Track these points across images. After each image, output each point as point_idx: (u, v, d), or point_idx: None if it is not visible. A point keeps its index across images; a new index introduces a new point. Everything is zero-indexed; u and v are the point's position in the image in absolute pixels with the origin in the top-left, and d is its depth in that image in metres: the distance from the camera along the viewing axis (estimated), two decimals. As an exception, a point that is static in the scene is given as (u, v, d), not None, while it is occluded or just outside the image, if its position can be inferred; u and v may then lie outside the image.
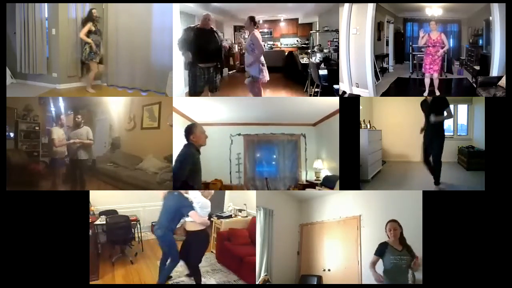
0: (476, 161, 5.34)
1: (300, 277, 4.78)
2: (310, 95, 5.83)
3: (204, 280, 4.44)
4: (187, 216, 3.67)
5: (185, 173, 3.17)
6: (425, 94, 4.99)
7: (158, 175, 4.99)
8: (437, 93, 4.99)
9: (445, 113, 4.19)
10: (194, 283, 4.01)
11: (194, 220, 3.65)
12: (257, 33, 4.56)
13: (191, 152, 3.28)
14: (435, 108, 4.20)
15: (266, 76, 4.69)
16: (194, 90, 4.60)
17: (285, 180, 7.37)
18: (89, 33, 5.34)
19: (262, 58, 4.67)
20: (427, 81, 5.05)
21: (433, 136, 4.27)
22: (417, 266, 3.08)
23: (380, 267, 3.14)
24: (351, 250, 4.12)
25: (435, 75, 5.00)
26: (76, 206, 3.59)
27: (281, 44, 10.11)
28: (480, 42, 5.89)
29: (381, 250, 3.11)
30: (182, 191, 3.70)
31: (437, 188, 4.29)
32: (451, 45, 6.80)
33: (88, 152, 5.18)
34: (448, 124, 6.78)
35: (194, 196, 3.79)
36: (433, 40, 4.97)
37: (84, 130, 5.14)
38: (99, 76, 5.70)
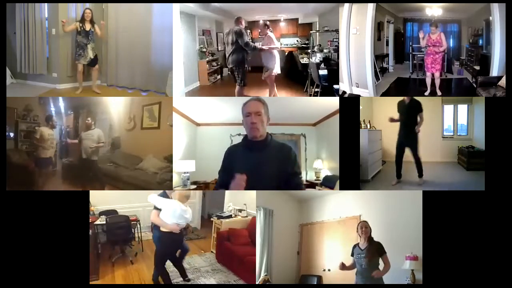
0: (476, 161, 5.34)
1: (300, 277, 4.78)
2: (310, 95, 5.83)
3: (204, 280, 4.45)
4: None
5: (222, 169, 2.43)
6: (426, 93, 4.99)
7: (158, 175, 4.99)
8: (439, 93, 4.99)
9: (418, 118, 4.51)
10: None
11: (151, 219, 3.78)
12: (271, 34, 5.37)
13: (235, 144, 2.51)
14: (411, 110, 4.47)
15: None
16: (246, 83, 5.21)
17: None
18: (77, 33, 5.29)
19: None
20: (428, 81, 5.05)
21: (409, 133, 4.53)
22: (380, 273, 3.08)
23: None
24: (351, 250, 4.12)
25: (437, 74, 5.01)
26: (76, 206, 3.58)
27: (281, 44, 10.12)
28: (480, 42, 5.89)
29: (352, 251, 3.31)
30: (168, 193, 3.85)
31: (421, 182, 4.54)
32: (451, 45, 6.79)
33: (98, 153, 5.35)
34: (448, 124, 6.79)
35: (172, 203, 3.73)
36: (433, 40, 4.98)
37: (96, 132, 5.30)
38: (94, 78, 5.55)
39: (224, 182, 2.30)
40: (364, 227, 3.22)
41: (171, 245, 3.84)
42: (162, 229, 3.70)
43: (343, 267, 3.33)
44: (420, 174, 4.58)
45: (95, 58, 5.42)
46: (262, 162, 2.18)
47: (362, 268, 3.15)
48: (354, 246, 3.30)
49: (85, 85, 5.62)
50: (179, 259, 4.28)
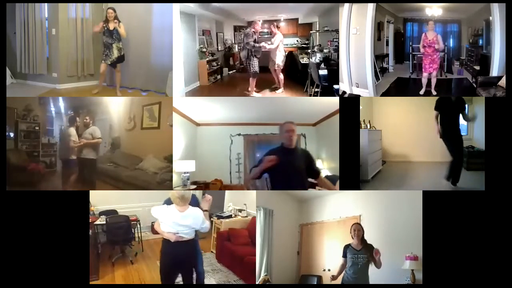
0: (476, 161, 5.32)
1: (300, 277, 4.78)
2: (310, 95, 5.83)
3: (204, 280, 4.42)
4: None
5: (260, 161, 3.19)
6: (421, 92, 5.00)
7: (158, 175, 4.99)
8: (434, 93, 4.99)
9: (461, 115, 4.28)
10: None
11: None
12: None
13: (274, 148, 3.29)
14: (456, 107, 4.21)
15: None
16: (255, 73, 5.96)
17: (285, 180, 7.37)
18: (103, 34, 5.21)
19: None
20: (424, 81, 5.06)
21: (456, 132, 4.24)
22: (377, 257, 3.14)
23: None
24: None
25: (434, 74, 5.01)
26: (76, 206, 3.59)
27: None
28: (480, 42, 5.88)
29: (344, 251, 3.32)
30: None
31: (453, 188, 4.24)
32: (451, 45, 6.79)
33: (95, 151, 5.27)
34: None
35: (168, 209, 3.13)
36: (429, 40, 4.97)
37: (90, 129, 5.25)
38: (118, 81, 5.43)
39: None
40: (357, 230, 3.28)
41: (169, 256, 3.15)
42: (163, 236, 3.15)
43: (333, 278, 3.42)
44: (455, 181, 4.17)
45: (118, 58, 5.27)
46: (296, 161, 3.21)
47: (358, 268, 3.18)
48: (347, 247, 3.31)
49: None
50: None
